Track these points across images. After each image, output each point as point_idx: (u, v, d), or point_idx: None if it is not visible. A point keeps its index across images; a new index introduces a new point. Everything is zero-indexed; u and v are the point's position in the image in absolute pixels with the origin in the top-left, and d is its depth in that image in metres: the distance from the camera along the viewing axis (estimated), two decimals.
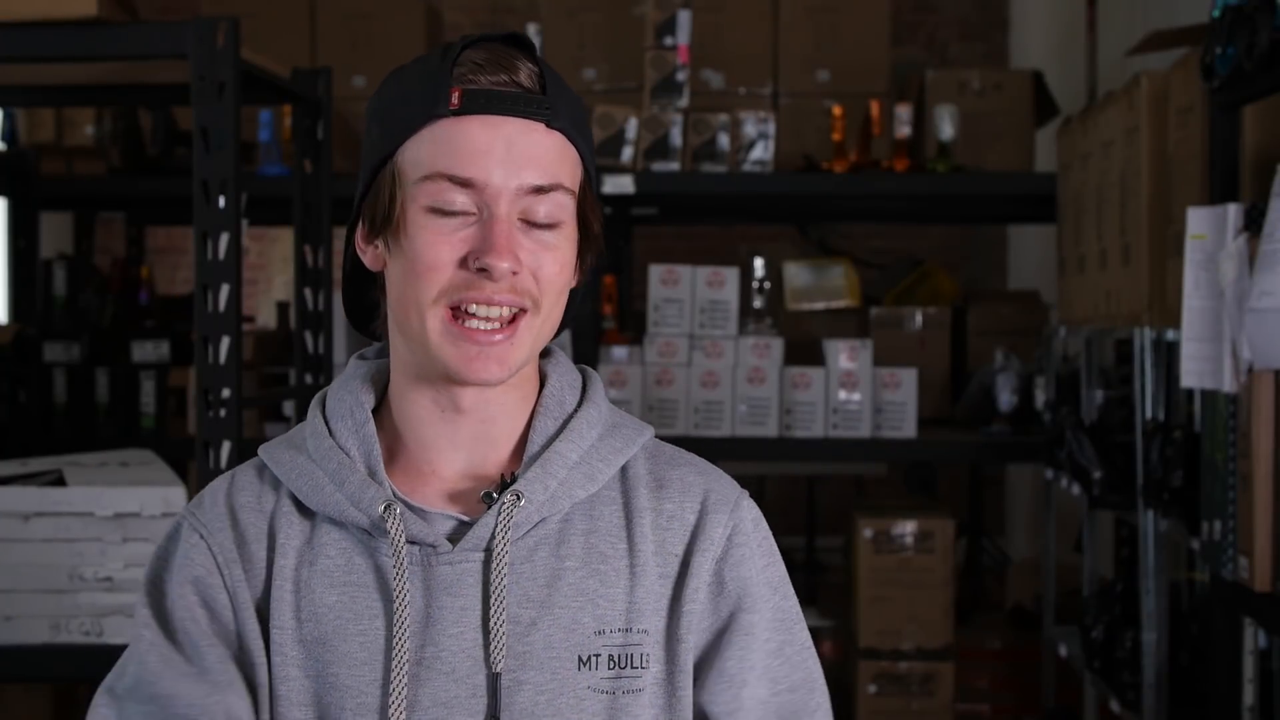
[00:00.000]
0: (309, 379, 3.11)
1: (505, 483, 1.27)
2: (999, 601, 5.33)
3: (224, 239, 2.49)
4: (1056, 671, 4.41)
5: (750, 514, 1.33)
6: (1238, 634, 2.74)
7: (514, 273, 1.21)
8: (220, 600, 1.26)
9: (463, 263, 1.21)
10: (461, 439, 1.28)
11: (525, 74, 1.23)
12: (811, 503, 6.79)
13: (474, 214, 1.22)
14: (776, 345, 4.28)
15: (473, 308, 1.21)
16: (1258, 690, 2.71)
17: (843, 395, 4.26)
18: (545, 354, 1.34)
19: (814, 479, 6.77)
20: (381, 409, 1.32)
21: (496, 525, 1.24)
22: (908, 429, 4.29)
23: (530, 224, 1.23)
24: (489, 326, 1.22)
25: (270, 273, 8.21)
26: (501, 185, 1.21)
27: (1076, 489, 3.72)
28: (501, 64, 1.23)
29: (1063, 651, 4.14)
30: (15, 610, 2.52)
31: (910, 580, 4.38)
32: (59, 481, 2.63)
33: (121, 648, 2.64)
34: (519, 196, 1.22)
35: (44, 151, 4.54)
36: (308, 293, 3.10)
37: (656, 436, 1.37)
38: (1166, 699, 3.35)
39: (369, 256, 1.29)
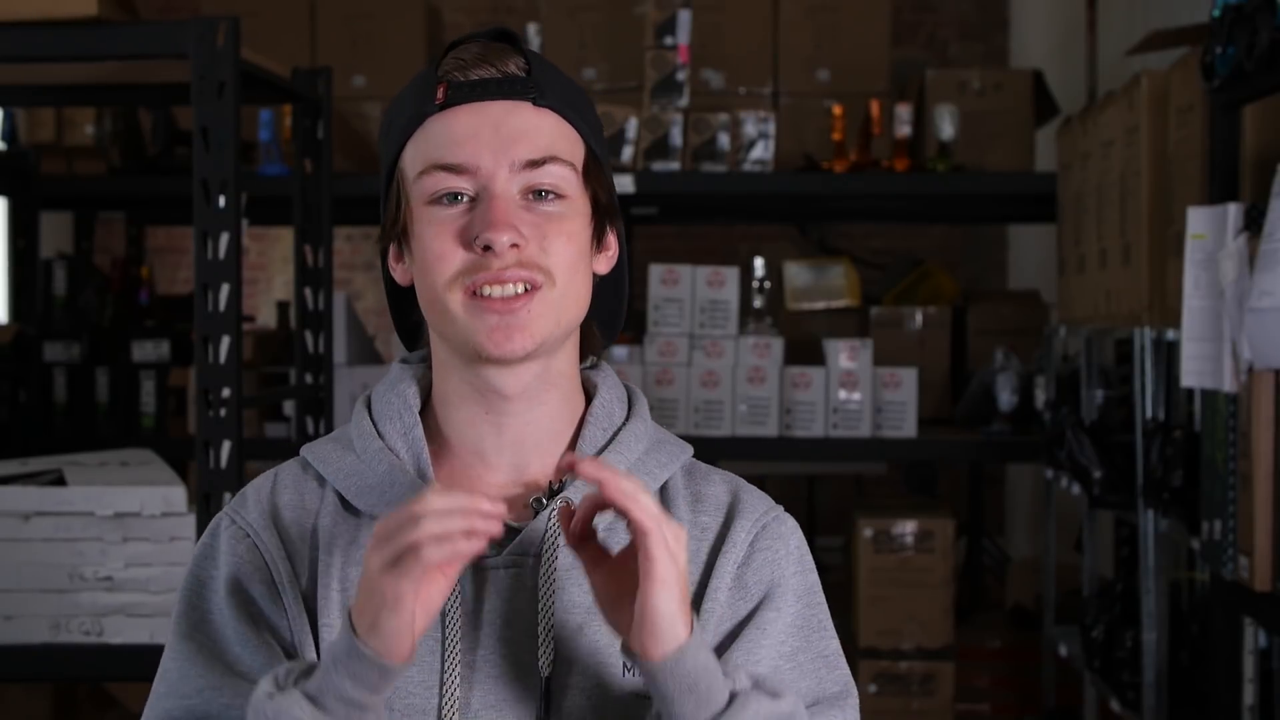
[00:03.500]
0: (309, 379, 3.11)
1: (554, 490, 1.28)
2: (999, 601, 5.33)
3: (224, 239, 2.49)
4: (1056, 671, 4.41)
5: (785, 524, 1.34)
6: (1238, 634, 2.74)
7: (515, 245, 1.21)
8: (269, 596, 1.26)
9: (467, 245, 1.22)
10: (506, 442, 1.28)
11: (511, 63, 1.25)
12: (811, 502, 6.80)
13: (474, 199, 1.23)
14: (776, 345, 4.28)
15: (485, 289, 1.22)
16: (1258, 690, 2.71)
17: (843, 395, 4.26)
18: (593, 366, 1.35)
19: (814, 479, 6.78)
20: (425, 414, 1.32)
21: (546, 531, 1.24)
22: (908, 429, 4.29)
23: (535, 200, 1.23)
24: (507, 294, 1.22)
25: (270, 273, 8.21)
26: (494, 166, 1.22)
27: (1076, 489, 3.72)
28: (486, 57, 1.25)
29: (1063, 651, 4.14)
30: (15, 610, 2.52)
31: (910, 580, 4.38)
32: (59, 481, 2.63)
33: (121, 648, 2.65)
34: (514, 174, 1.23)
35: (44, 151, 4.54)
36: (308, 292, 3.10)
37: None
38: (1166, 699, 3.35)
39: (399, 273, 1.31)
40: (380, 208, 1.30)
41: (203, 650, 1.25)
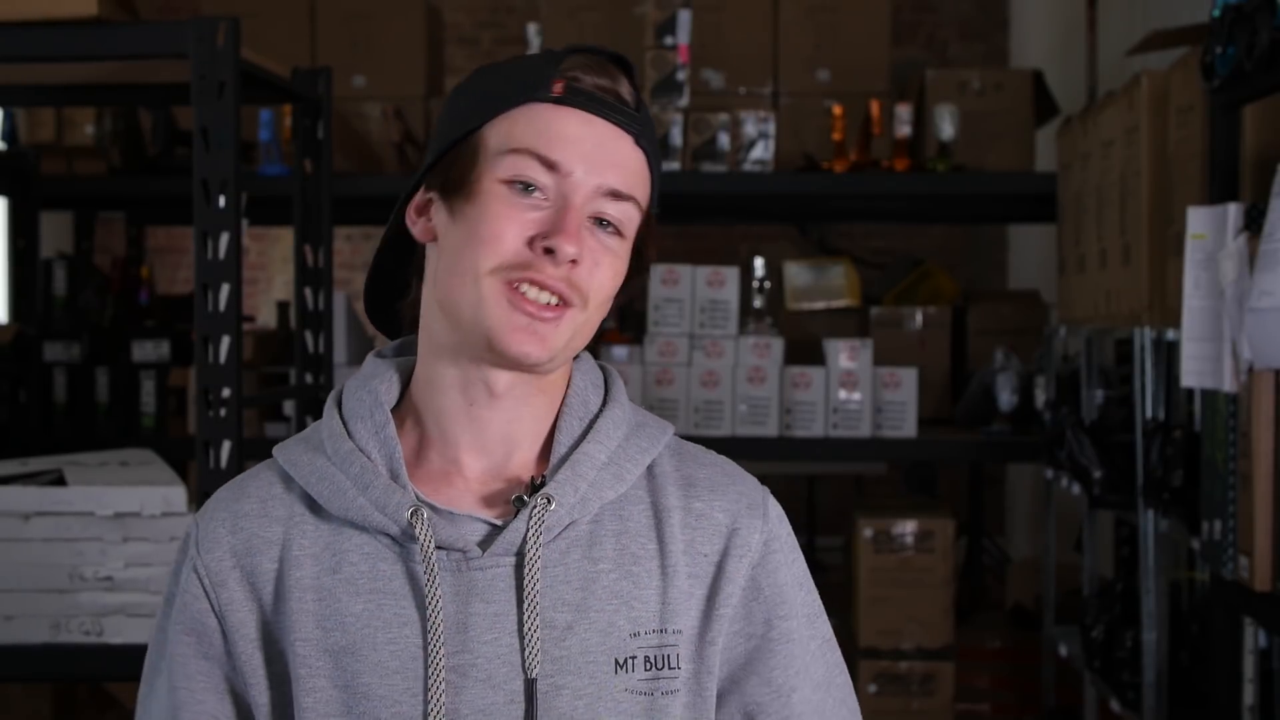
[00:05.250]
0: (309, 379, 3.11)
1: (534, 485, 1.25)
2: (999, 601, 5.33)
3: (224, 239, 2.49)
4: (1056, 671, 4.42)
5: (775, 512, 1.33)
6: (1238, 634, 2.74)
7: (574, 261, 1.21)
8: (209, 625, 1.25)
9: (529, 242, 1.21)
10: (487, 437, 1.26)
11: (625, 89, 1.25)
12: (811, 503, 6.80)
13: (548, 201, 1.22)
14: (776, 345, 4.28)
15: (524, 287, 1.20)
16: (1258, 690, 2.71)
17: (843, 395, 4.26)
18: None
19: (814, 479, 6.78)
20: (402, 408, 1.30)
21: (528, 529, 1.22)
22: (908, 429, 4.29)
23: (597, 227, 1.23)
24: (543, 300, 1.21)
25: (270, 273, 8.21)
26: (583, 179, 1.22)
27: (1076, 489, 3.72)
28: (606, 72, 1.25)
29: (1063, 651, 4.14)
30: (15, 610, 2.52)
31: (910, 580, 4.38)
32: (59, 481, 2.63)
33: (121, 648, 2.65)
34: (595, 196, 1.22)
35: (44, 151, 4.54)
36: (308, 293, 3.10)
37: None
38: (1166, 699, 3.35)
39: (419, 228, 1.28)
40: (428, 161, 1.27)
41: (158, 689, 1.28)
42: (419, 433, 1.28)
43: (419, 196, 1.28)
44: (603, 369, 1.35)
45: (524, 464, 1.28)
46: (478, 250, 1.21)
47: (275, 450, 1.30)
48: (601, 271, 1.22)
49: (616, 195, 1.23)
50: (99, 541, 2.50)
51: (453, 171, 1.24)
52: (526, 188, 1.21)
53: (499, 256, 1.20)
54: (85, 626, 2.51)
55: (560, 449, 1.27)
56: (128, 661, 2.53)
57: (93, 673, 2.88)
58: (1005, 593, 5.25)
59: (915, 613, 4.37)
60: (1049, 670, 4.44)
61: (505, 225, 1.21)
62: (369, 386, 1.29)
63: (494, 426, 1.26)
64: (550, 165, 1.21)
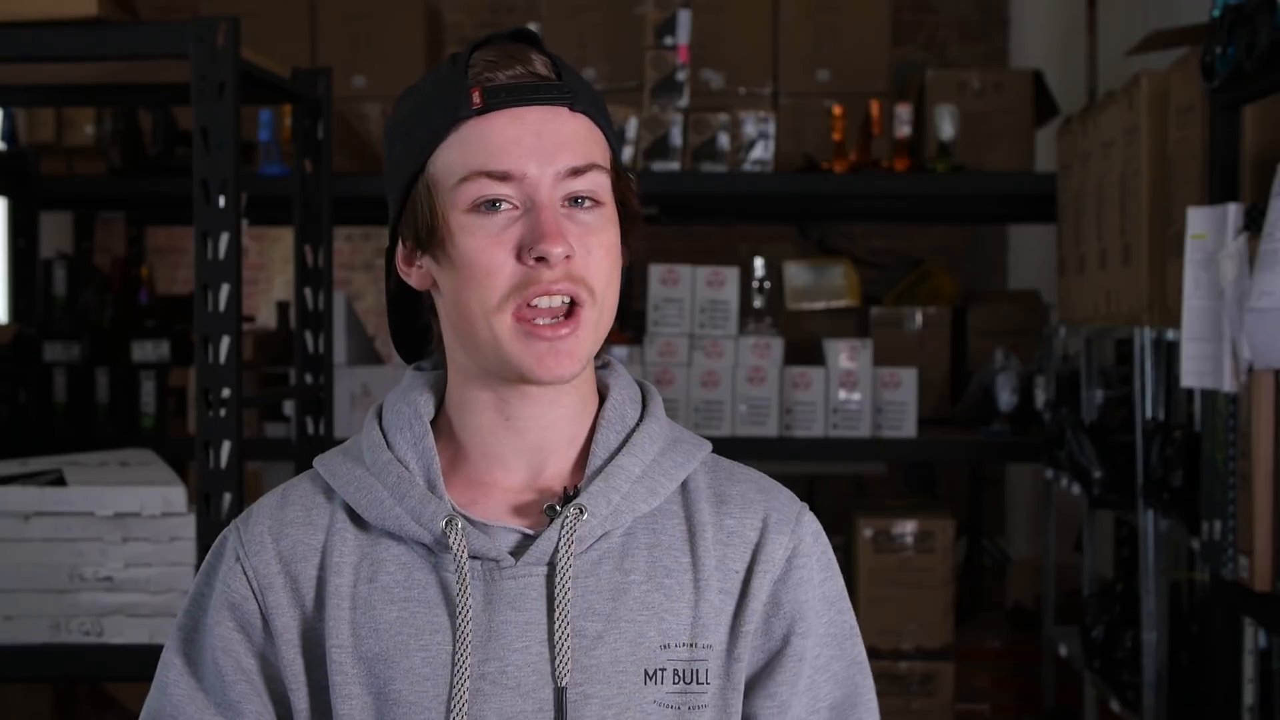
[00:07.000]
0: (309, 379, 3.11)
1: (568, 496, 1.26)
2: (999, 601, 5.33)
3: (224, 239, 2.49)
4: (1056, 671, 4.42)
5: (810, 529, 1.32)
6: (1238, 634, 2.74)
7: (568, 257, 1.20)
8: (255, 625, 1.25)
9: (518, 257, 1.20)
10: (524, 447, 1.27)
11: (539, 63, 1.24)
12: (811, 503, 6.75)
13: (517, 208, 1.21)
14: (776, 345, 4.28)
15: (534, 300, 1.21)
16: (1258, 690, 2.72)
17: (843, 395, 4.26)
18: (604, 365, 1.34)
19: (814, 479, 6.77)
20: (439, 420, 1.31)
21: (560, 539, 1.22)
22: (908, 429, 4.29)
23: (573, 208, 1.22)
24: (552, 321, 1.21)
25: (270, 273, 8.21)
26: (539, 174, 1.21)
27: (1076, 489, 3.73)
28: (514, 56, 1.23)
29: (1063, 651, 4.14)
30: (15, 610, 2.52)
31: (910, 580, 4.38)
32: (59, 481, 2.63)
33: (121, 648, 2.66)
34: (558, 182, 1.21)
35: (44, 151, 4.54)
36: (308, 293, 3.10)
37: None
38: (1166, 699, 3.35)
39: (414, 278, 1.28)
40: (393, 211, 1.27)
41: (188, 668, 1.27)
42: (456, 445, 1.29)
43: (403, 248, 1.28)
44: (641, 385, 1.35)
45: (558, 474, 1.28)
46: (476, 292, 1.21)
47: (316, 461, 1.31)
48: (595, 255, 1.22)
49: (576, 171, 1.22)
50: (99, 541, 2.51)
51: (419, 221, 1.24)
52: (493, 204, 1.21)
53: (499, 289, 1.21)
54: (85, 626, 2.52)
55: (596, 461, 1.27)
56: (127, 661, 2.53)
57: (93, 673, 2.88)
58: (1005, 593, 5.25)
59: (915, 613, 4.37)
60: (1049, 670, 4.44)
61: (490, 254, 1.21)
62: (409, 399, 1.30)
63: (529, 436, 1.27)
64: (503, 176, 1.21)
